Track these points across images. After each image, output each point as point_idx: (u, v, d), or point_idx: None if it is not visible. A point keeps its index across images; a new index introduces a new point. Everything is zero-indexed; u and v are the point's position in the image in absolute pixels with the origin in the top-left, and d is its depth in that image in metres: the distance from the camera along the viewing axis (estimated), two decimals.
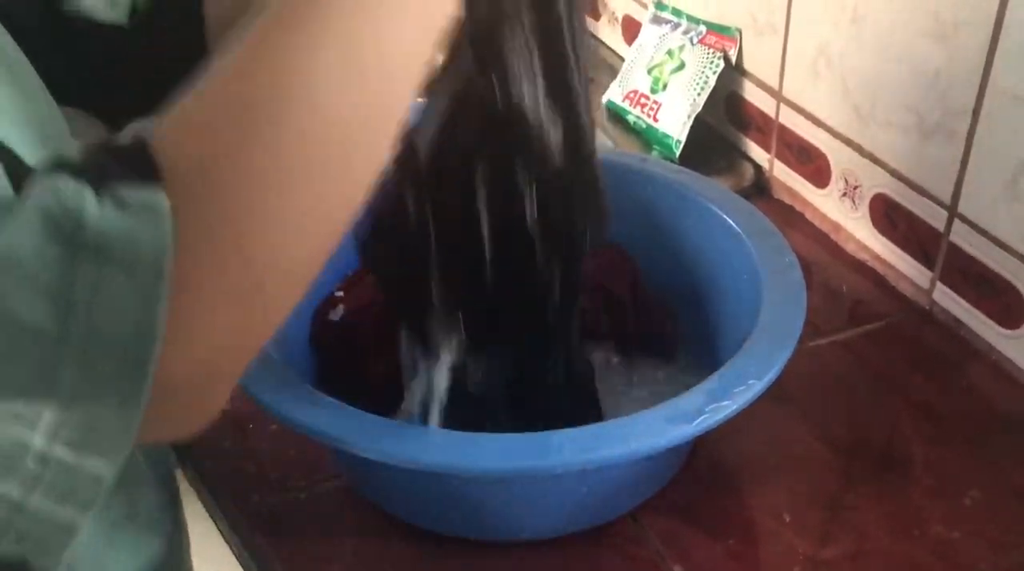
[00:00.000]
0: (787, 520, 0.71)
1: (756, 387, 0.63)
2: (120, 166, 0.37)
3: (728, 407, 0.62)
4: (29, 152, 0.40)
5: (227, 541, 0.72)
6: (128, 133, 0.39)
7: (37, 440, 0.36)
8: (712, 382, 0.64)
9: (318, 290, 0.80)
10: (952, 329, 0.87)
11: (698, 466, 0.74)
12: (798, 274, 0.73)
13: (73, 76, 0.59)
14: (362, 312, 0.77)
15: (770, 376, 0.64)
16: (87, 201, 0.35)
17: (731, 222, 0.78)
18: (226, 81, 0.40)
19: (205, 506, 0.75)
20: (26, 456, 0.37)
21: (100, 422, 0.37)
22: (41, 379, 0.36)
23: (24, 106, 0.42)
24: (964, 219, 0.84)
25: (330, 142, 0.41)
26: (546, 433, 0.61)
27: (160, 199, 0.36)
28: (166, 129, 0.39)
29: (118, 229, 0.35)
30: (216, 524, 0.74)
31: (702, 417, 0.62)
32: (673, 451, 0.71)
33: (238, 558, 0.72)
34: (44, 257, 0.35)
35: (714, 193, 0.83)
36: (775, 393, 0.64)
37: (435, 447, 0.60)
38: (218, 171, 0.38)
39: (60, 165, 0.36)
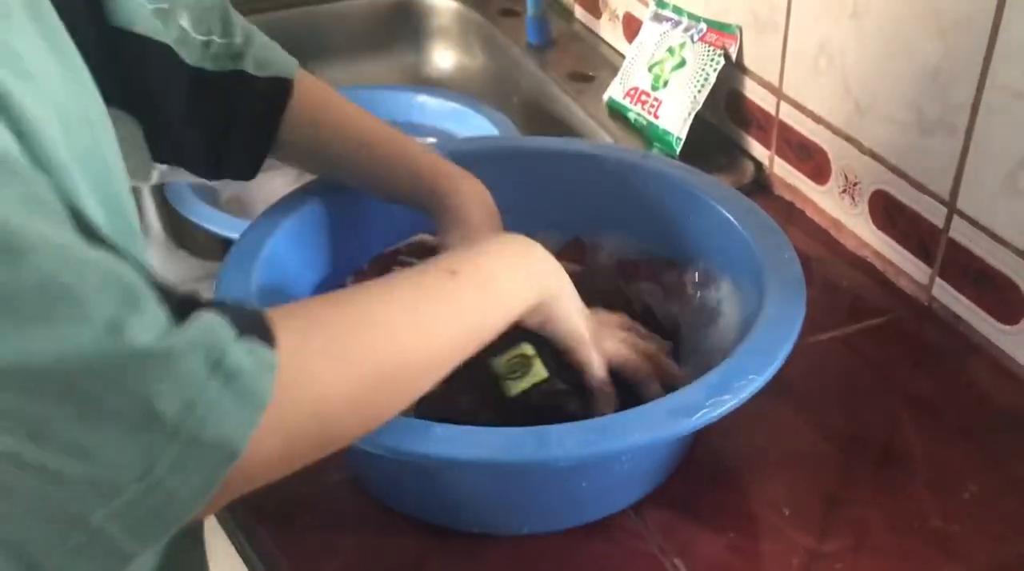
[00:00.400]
0: (787, 514, 0.71)
1: (756, 382, 0.64)
2: (251, 324, 0.46)
3: (728, 401, 0.62)
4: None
5: (231, 535, 0.73)
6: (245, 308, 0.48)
7: (96, 517, 0.41)
8: (712, 377, 0.64)
9: (329, 280, 0.81)
10: (951, 325, 0.88)
11: (698, 460, 0.74)
12: (798, 270, 0.73)
13: (119, 83, 0.66)
14: None
15: (770, 371, 0.65)
16: (234, 341, 0.44)
17: (732, 218, 0.79)
18: (358, 318, 0.53)
19: None
20: (76, 530, 0.41)
21: (166, 511, 0.42)
22: (142, 461, 0.41)
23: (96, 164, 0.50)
24: (963, 215, 0.84)
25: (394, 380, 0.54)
26: (546, 427, 0.61)
27: (276, 358, 0.46)
28: (286, 310, 0.50)
29: (246, 366, 0.44)
30: (220, 518, 0.74)
31: (702, 411, 0.62)
32: (674, 445, 0.71)
33: (241, 552, 0.72)
34: (192, 367, 0.42)
35: (715, 190, 0.83)
36: (775, 388, 0.65)
37: (437, 440, 0.61)
38: (314, 350, 0.49)
39: (220, 309, 0.45)
